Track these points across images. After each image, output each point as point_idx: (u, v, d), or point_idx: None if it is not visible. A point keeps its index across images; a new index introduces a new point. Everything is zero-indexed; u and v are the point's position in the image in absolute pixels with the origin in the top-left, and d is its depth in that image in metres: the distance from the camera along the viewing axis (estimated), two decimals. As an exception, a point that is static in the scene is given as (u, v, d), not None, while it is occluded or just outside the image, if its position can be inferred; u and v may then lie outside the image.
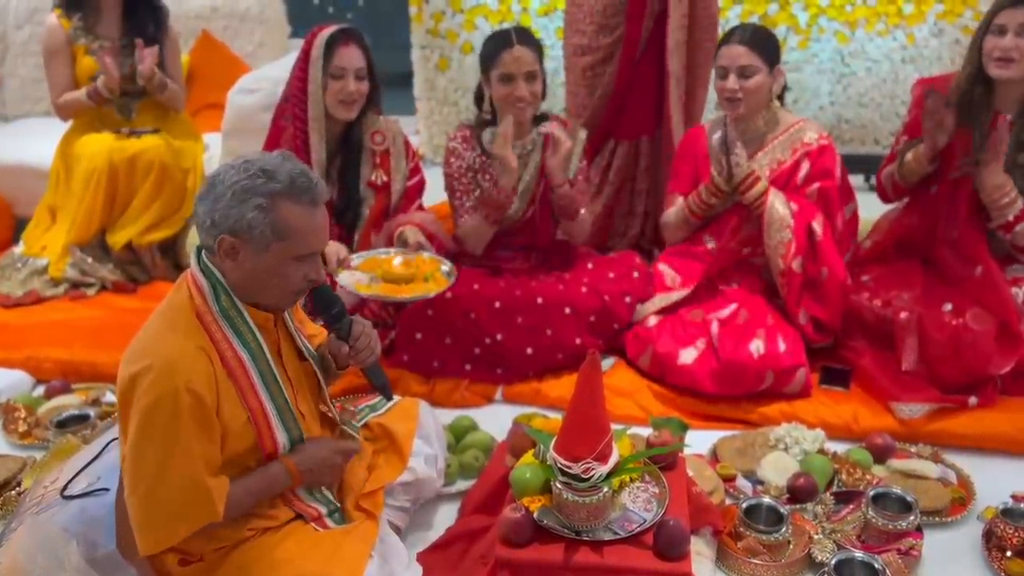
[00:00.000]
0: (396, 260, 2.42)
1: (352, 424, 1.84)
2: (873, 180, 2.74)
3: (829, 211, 2.52)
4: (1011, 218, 2.37)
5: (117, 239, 3.13)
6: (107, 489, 1.65)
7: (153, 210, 3.14)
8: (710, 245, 2.62)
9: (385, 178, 2.61)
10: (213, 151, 3.43)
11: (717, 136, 2.50)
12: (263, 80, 3.35)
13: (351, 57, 2.41)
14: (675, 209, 2.66)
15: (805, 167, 2.52)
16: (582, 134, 2.71)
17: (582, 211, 2.65)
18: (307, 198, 1.50)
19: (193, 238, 3.18)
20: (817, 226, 2.46)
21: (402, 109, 4.51)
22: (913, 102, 2.63)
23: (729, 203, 2.56)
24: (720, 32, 2.99)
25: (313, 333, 1.84)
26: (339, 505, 1.73)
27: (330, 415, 1.78)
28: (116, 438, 1.74)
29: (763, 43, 2.45)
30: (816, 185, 2.51)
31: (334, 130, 2.53)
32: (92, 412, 2.35)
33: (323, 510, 1.68)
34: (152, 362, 1.44)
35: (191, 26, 4.19)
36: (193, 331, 1.51)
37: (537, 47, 2.52)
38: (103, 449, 1.78)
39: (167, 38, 3.21)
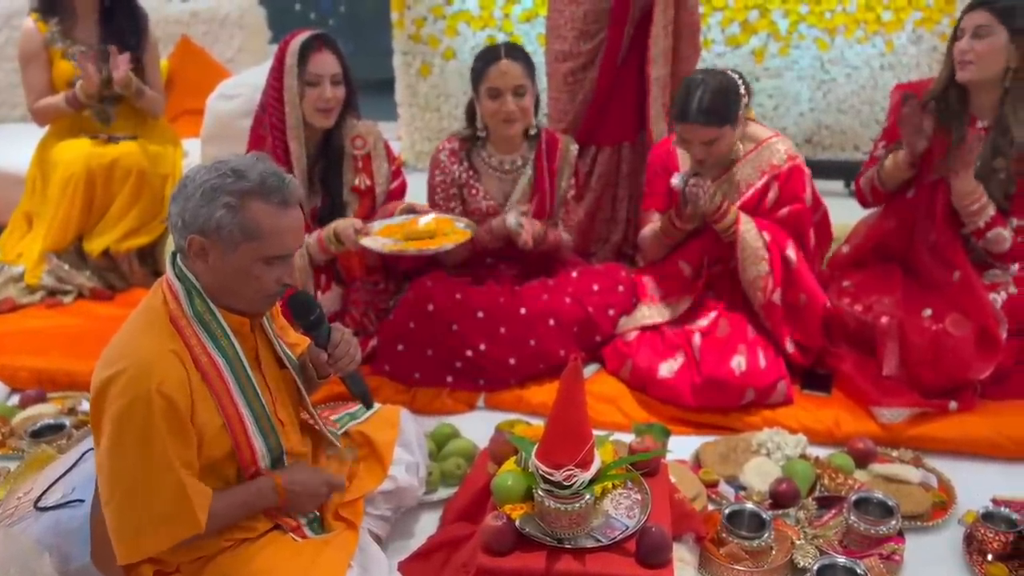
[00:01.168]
0: (421, 221, 2.41)
1: (334, 433, 1.83)
2: (853, 186, 2.75)
3: (800, 232, 2.51)
4: (982, 224, 2.38)
5: (94, 246, 3.09)
6: (82, 500, 1.62)
7: (131, 217, 3.10)
8: (686, 271, 2.61)
9: (368, 182, 2.60)
10: (192, 157, 3.40)
11: (676, 180, 2.44)
12: (242, 86, 3.33)
13: (326, 63, 2.40)
14: (649, 229, 2.64)
15: (774, 190, 2.49)
16: (572, 150, 2.69)
17: (565, 240, 2.66)
18: (277, 198, 1.49)
19: (172, 245, 3.15)
20: (791, 253, 2.45)
21: (384, 115, 4.50)
22: (891, 108, 2.64)
23: (701, 225, 2.53)
24: (701, 40, 3.01)
25: (295, 342, 1.82)
26: (318, 514, 1.71)
27: (311, 423, 1.77)
28: (92, 448, 1.71)
29: (721, 112, 2.34)
30: (786, 209, 2.49)
31: (313, 137, 2.51)
32: (68, 422, 2.32)
33: (302, 520, 1.66)
34: (124, 366, 1.42)
35: (170, 31, 4.16)
36: (166, 335, 1.49)
37: (527, 62, 2.50)
38: (79, 459, 1.75)
39: (146, 43, 3.18)
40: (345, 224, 2.38)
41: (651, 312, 2.57)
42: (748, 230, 2.43)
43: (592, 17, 2.87)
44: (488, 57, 2.48)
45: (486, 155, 2.62)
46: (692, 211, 2.43)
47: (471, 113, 2.60)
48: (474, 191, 2.60)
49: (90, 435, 2.16)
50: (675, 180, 2.45)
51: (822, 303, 2.47)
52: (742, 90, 2.40)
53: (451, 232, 2.37)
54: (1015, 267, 2.49)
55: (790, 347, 2.45)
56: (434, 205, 2.62)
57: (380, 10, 5.12)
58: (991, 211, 2.37)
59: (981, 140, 2.37)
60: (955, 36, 2.38)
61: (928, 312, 2.39)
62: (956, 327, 2.31)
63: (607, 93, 2.96)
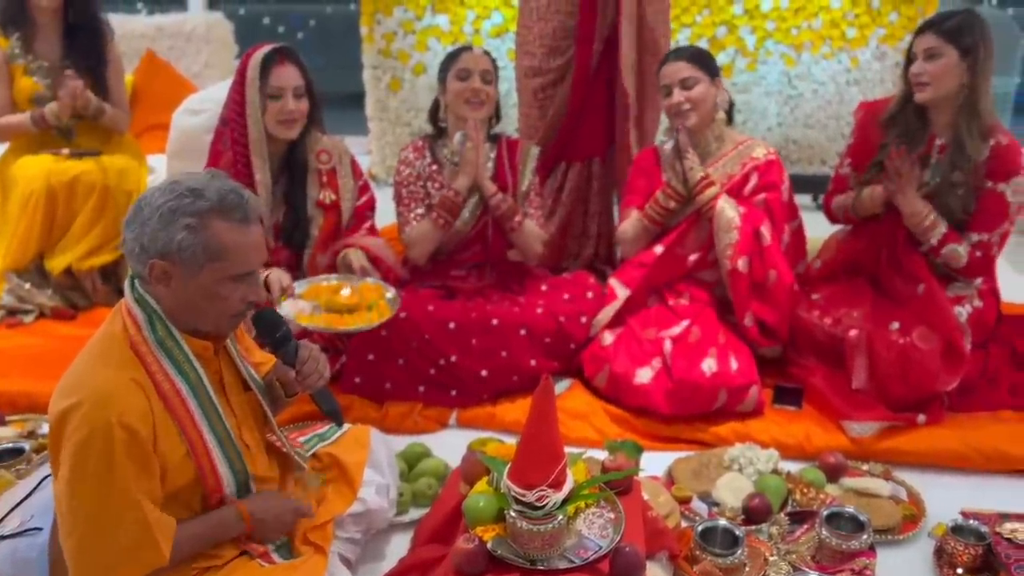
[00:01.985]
0: (343, 291, 2.37)
1: (300, 453, 1.80)
2: (820, 199, 2.78)
3: (771, 220, 2.57)
4: (935, 242, 2.43)
5: (56, 264, 3.02)
6: (40, 528, 1.57)
7: (94, 234, 3.04)
8: (658, 250, 2.63)
9: (334, 197, 2.57)
10: (159, 173, 3.35)
11: (670, 144, 2.60)
12: (209, 101, 3.29)
13: (287, 76, 2.38)
14: (632, 221, 2.67)
15: (753, 179, 2.60)
16: (534, 150, 2.77)
17: (523, 221, 2.68)
18: (238, 215, 1.46)
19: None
20: (765, 231, 2.52)
21: (354, 129, 4.48)
22: (856, 126, 2.68)
23: (686, 211, 2.59)
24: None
25: (261, 361, 1.78)
26: (287, 539, 1.67)
27: (278, 444, 1.73)
28: (50, 475, 1.67)
29: (699, 56, 2.58)
30: (762, 196, 2.58)
31: (276, 151, 2.48)
32: (27, 445, 2.24)
33: (269, 545, 1.62)
34: (83, 397, 1.38)
35: (135, 46, 4.12)
36: (127, 363, 1.45)
37: (494, 62, 2.66)
38: (37, 485, 1.70)
39: (110, 59, 3.13)
40: (274, 278, 2.35)
41: (606, 312, 2.58)
42: (726, 201, 2.54)
43: (561, 34, 2.88)
44: (460, 48, 2.65)
45: (448, 152, 2.68)
46: (681, 170, 2.53)
47: (435, 112, 2.70)
48: (438, 184, 2.65)
49: (47, 461, 2.12)
50: (667, 146, 2.62)
51: (789, 283, 2.53)
52: (727, 96, 2.61)
53: (374, 304, 2.34)
54: (978, 280, 2.52)
55: (748, 321, 2.50)
56: (401, 200, 2.67)
57: (350, 24, 5.11)
58: (942, 229, 2.42)
59: (913, 161, 2.40)
60: (909, 59, 2.44)
61: (896, 325, 2.42)
62: (923, 340, 2.34)
63: (579, 109, 2.97)
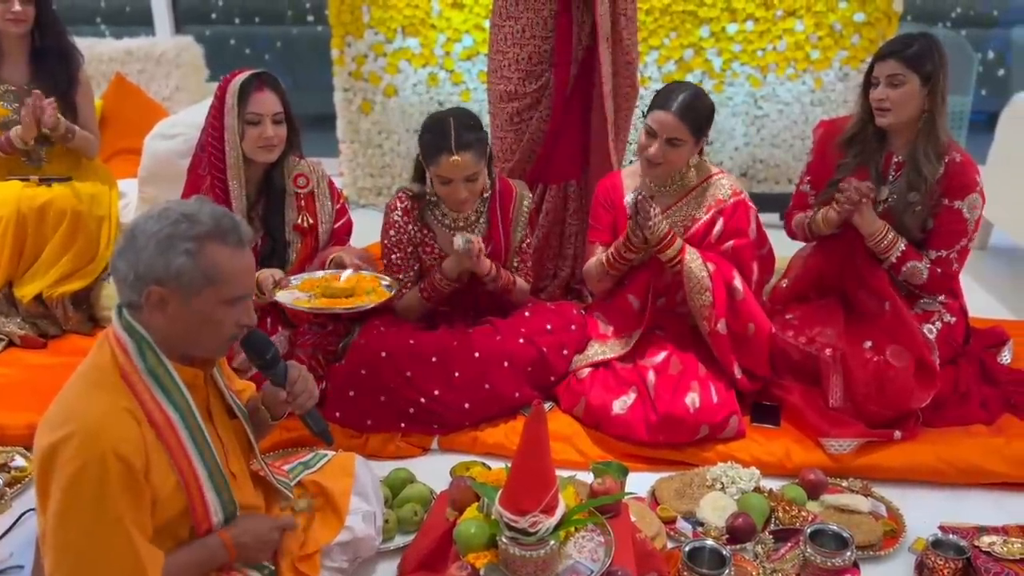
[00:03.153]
0: (341, 277, 2.36)
1: (284, 482, 1.78)
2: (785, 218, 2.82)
3: (741, 267, 2.54)
4: (895, 260, 2.48)
5: (26, 292, 2.96)
6: (22, 566, 1.55)
7: (65, 261, 2.99)
8: (635, 304, 2.63)
9: (311, 220, 2.57)
10: (130, 198, 3.31)
11: (629, 197, 2.51)
12: (181, 125, 3.27)
13: (266, 102, 2.37)
14: (595, 261, 2.65)
15: (719, 225, 2.54)
16: (527, 202, 2.65)
17: (515, 283, 2.64)
18: (234, 238, 1.47)
19: (109, 288, 3.05)
20: (738, 284, 2.49)
21: (324, 151, 4.46)
22: (815, 144, 2.72)
23: (646, 257, 2.57)
24: (639, 77, 3.07)
25: (240, 388, 1.78)
26: (273, 569, 1.66)
27: (261, 474, 1.72)
28: (31, 509, 1.63)
29: (698, 116, 2.44)
30: (730, 243, 2.54)
31: (254, 175, 2.48)
32: (0, 479, 2.20)
33: (254, 573, 1.61)
34: (75, 428, 1.36)
35: (103, 69, 4.07)
36: (118, 393, 1.44)
37: (479, 146, 2.38)
38: (15, 522, 1.67)
39: (78, 84, 3.10)
40: (265, 275, 2.34)
41: (603, 349, 2.59)
42: (693, 259, 2.47)
43: (536, 58, 2.89)
44: (439, 145, 2.35)
45: (439, 214, 2.57)
46: (640, 232, 2.42)
47: (420, 171, 2.51)
48: (429, 248, 2.57)
49: (26, 492, 2.07)
50: (627, 198, 2.49)
51: (768, 331, 2.52)
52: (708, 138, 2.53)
53: (372, 291, 2.33)
54: (942, 297, 2.58)
55: (738, 373, 2.49)
56: (390, 265, 2.56)
57: (317, 46, 5.10)
58: (901, 246, 2.47)
59: (865, 190, 2.42)
60: (868, 83, 2.47)
61: (868, 344, 2.46)
62: (896, 358, 2.38)
63: (556, 133, 2.99)
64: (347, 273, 2.38)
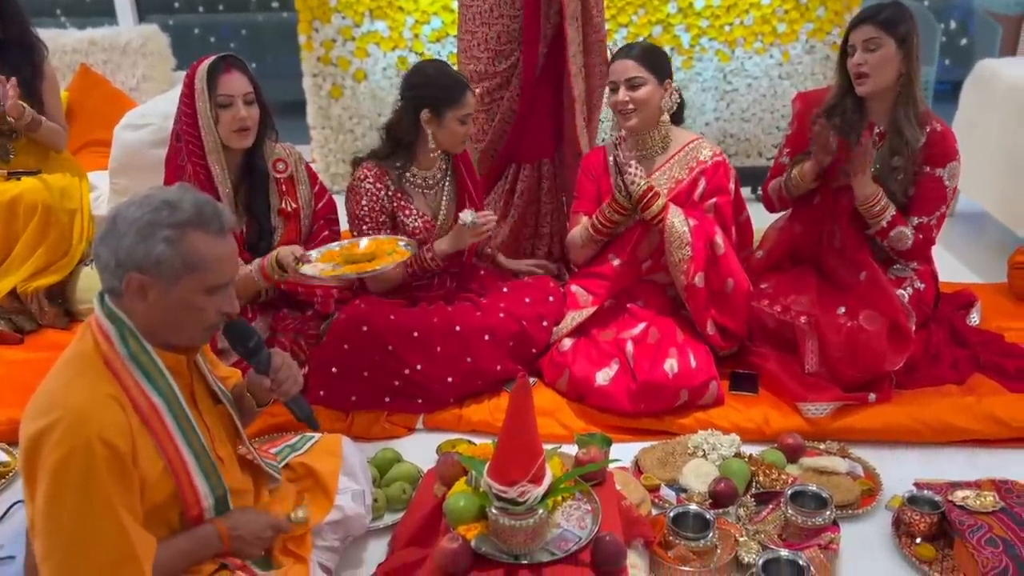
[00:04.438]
0: (361, 243, 2.39)
1: (273, 465, 1.79)
2: (760, 191, 2.86)
3: (723, 224, 2.62)
4: (885, 224, 2.52)
5: (0, 287, 2.94)
6: (13, 557, 1.55)
7: (38, 255, 2.96)
8: (615, 263, 2.67)
9: (294, 205, 2.57)
10: (101, 190, 3.28)
11: (612, 157, 2.57)
12: (150, 115, 3.24)
13: (236, 83, 2.36)
14: (579, 228, 2.70)
15: (702, 184, 2.62)
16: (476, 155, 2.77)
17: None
18: (216, 226, 1.46)
19: (84, 281, 3.03)
20: (720, 240, 2.55)
21: (293, 138, 4.43)
22: (794, 116, 2.77)
23: (632, 220, 2.62)
24: (610, 55, 3.09)
25: (225, 375, 1.78)
26: (263, 551, 1.67)
27: (249, 457, 1.73)
28: (20, 500, 1.63)
29: (650, 57, 2.58)
30: (712, 200, 2.61)
31: (234, 162, 2.47)
32: (-17, 474, 2.20)
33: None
34: (60, 415, 1.35)
35: (67, 60, 4.01)
36: (102, 379, 1.43)
37: None
38: (4, 514, 1.67)
39: (43, 77, 3.06)
40: (285, 252, 2.33)
41: (579, 315, 2.61)
42: (675, 215, 2.53)
43: (505, 38, 2.90)
44: (460, 83, 2.53)
45: (410, 175, 2.62)
46: (625, 187, 2.49)
47: (397, 134, 2.57)
48: (407, 211, 2.59)
49: (12, 486, 2.07)
50: (611, 159, 2.55)
51: (746, 289, 2.57)
52: (676, 89, 2.61)
53: (393, 252, 2.35)
54: (914, 263, 2.64)
55: (711, 329, 2.54)
56: (358, 234, 2.57)
57: (283, 32, 5.05)
58: (892, 211, 2.51)
59: (876, 144, 2.50)
60: (845, 51, 2.50)
61: (842, 310, 2.51)
62: (869, 322, 2.43)
63: (528, 111, 3.00)
64: (366, 240, 2.41)
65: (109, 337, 1.45)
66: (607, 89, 2.60)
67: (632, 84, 2.54)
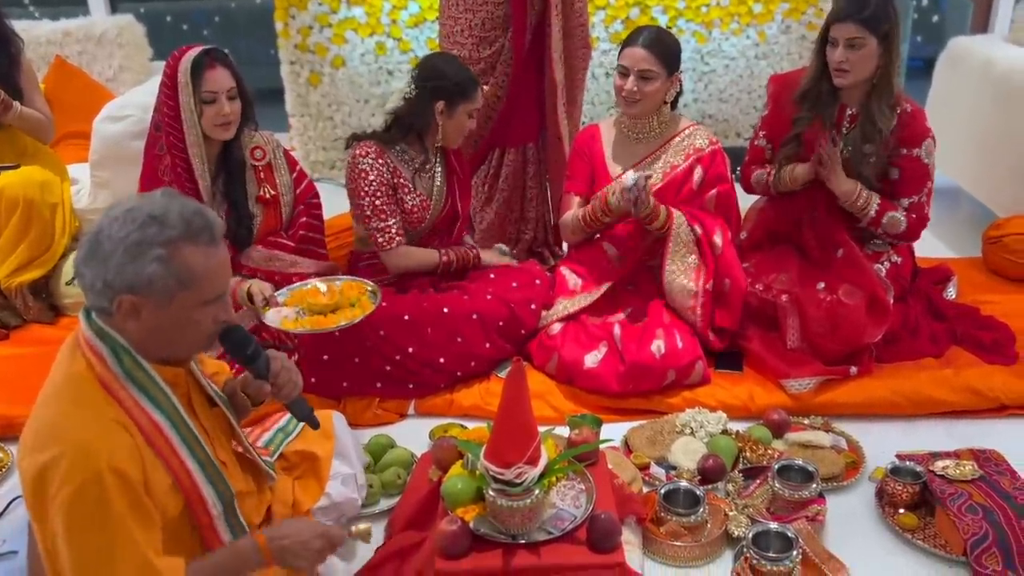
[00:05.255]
0: (322, 291, 2.39)
1: (269, 463, 1.78)
2: (738, 171, 2.89)
3: (728, 214, 2.65)
4: (873, 214, 2.56)
5: (-18, 284, 2.92)
6: (15, 552, 1.56)
7: (21, 250, 2.94)
8: (611, 253, 2.70)
9: (273, 192, 2.58)
10: (82, 184, 3.25)
11: (629, 178, 2.48)
12: (130, 106, 3.21)
13: (220, 79, 2.36)
14: (571, 216, 2.72)
15: (698, 172, 2.65)
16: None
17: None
18: (206, 238, 1.38)
19: (68, 276, 3.01)
20: (718, 239, 2.57)
21: (273, 126, 4.40)
22: (769, 98, 2.79)
23: (621, 218, 2.64)
24: (592, 38, 3.11)
25: (215, 371, 1.73)
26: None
27: (248, 456, 1.71)
28: (19, 496, 1.64)
29: (665, 49, 2.56)
30: (715, 191, 2.64)
31: (212, 151, 2.47)
32: (-23, 471, 2.19)
33: None
34: (64, 448, 1.28)
35: (42, 52, 3.95)
36: (101, 403, 1.36)
37: None
38: (5, 508, 1.67)
39: (21, 70, 3.03)
40: (256, 288, 2.36)
41: (571, 303, 2.64)
42: (680, 224, 2.56)
43: (490, 25, 2.91)
44: (472, 78, 2.58)
45: (408, 158, 2.64)
46: (635, 210, 2.50)
47: (408, 121, 2.59)
48: (407, 189, 2.61)
49: (7, 481, 2.07)
50: (626, 177, 2.52)
51: (743, 288, 2.59)
52: (681, 76, 2.63)
53: (356, 300, 2.36)
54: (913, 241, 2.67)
55: (711, 335, 2.57)
56: (376, 211, 2.55)
57: (256, 19, 4.99)
58: (876, 201, 2.55)
59: (848, 127, 2.54)
60: (825, 40, 2.49)
61: (821, 285, 2.55)
62: (848, 296, 2.48)
63: (514, 97, 3.01)
64: (323, 286, 2.42)
65: (102, 357, 1.38)
66: (616, 73, 2.59)
67: (644, 76, 2.53)
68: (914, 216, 2.59)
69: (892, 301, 2.52)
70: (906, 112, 2.55)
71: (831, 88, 2.56)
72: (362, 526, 1.61)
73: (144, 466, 1.37)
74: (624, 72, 2.56)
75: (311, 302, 2.34)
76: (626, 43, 2.58)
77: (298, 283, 2.47)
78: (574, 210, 2.72)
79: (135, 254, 1.32)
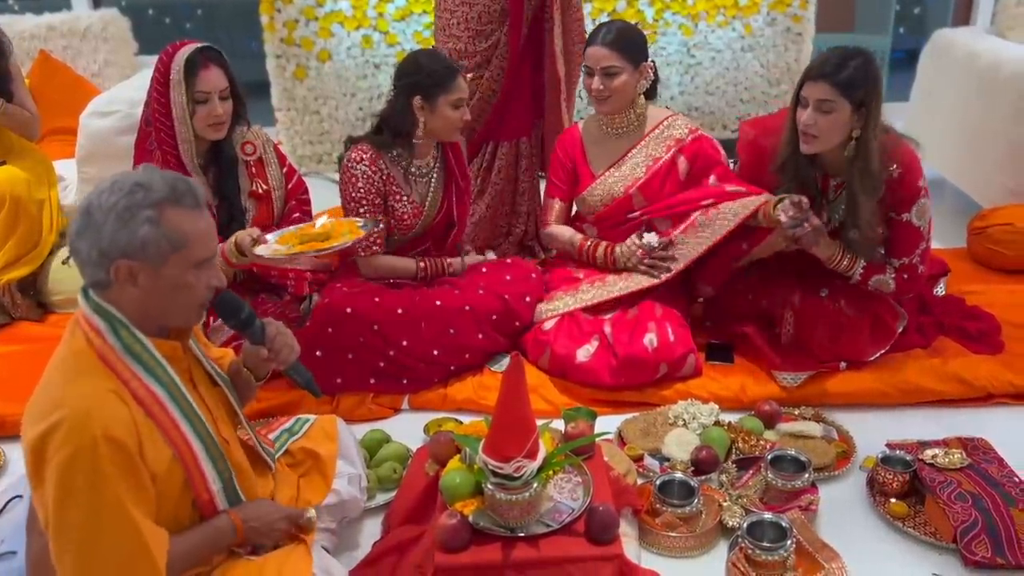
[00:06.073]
0: (317, 223, 2.35)
1: (269, 451, 1.80)
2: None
3: (729, 183, 2.60)
4: (859, 276, 2.43)
5: (-30, 282, 2.90)
6: (14, 552, 1.55)
7: (9, 247, 2.92)
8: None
9: (265, 186, 2.57)
10: (68, 180, 3.23)
11: (652, 239, 2.59)
12: (117, 101, 3.19)
13: (214, 80, 2.34)
14: (566, 238, 2.76)
15: (683, 163, 2.66)
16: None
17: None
18: (191, 200, 1.44)
19: (56, 273, 2.99)
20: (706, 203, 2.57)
21: (260, 120, 4.38)
22: (741, 149, 2.65)
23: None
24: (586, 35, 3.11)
25: (219, 356, 1.77)
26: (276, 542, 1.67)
27: (251, 442, 1.73)
28: (18, 495, 1.64)
29: (626, 43, 2.55)
30: (713, 178, 2.65)
31: (203, 147, 2.46)
32: (-30, 469, 2.19)
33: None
34: (61, 416, 1.33)
35: (26, 47, 3.91)
36: (100, 375, 1.41)
37: None
38: (4, 507, 1.67)
39: (7, 64, 3.00)
40: (243, 235, 2.33)
41: (564, 301, 2.64)
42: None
43: (486, 18, 2.91)
44: (451, 69, 2.52)
45: (405, 162, 2.61)
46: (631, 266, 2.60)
47: (393, 124, 2.55)
48: (398, 196, 2.59)
49: (3, 479, 2.06)
50: (647, 238, 2.61)
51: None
52: (651, 64, 2.61)
53: (348, 232, 2.32)
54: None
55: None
56: (355, 216, 2.54)
57: (240, 12, 4.96)
58: (860, 262, 2.41)
59: (834, 195, 2.41)
60: (797, 101, 2.31)
61: (824, 292, 2.50)
62: (852, 309, 2.45)
63: (511, 91, 3.01)
64: (322, 220, 2.38)
65: (100, 332, 1.43)
66: (582, 72, 2.60)
67: (608, 72, 2.55)
68: (905, 276, 2.43)
69: (901, 329, 2.48)
70: (893, 178, 2.33)
71: (809, 158, 2.37)
72: (309, 514, 1.68)
73: (140, 438, 1.41)
74: (590, 72, 2.57)
75: (304, 232, 2.30)
76: (587, 42, 2.58)
77: (288, 227, 2.41)
78: (569, 234, 2.75)
79: (126, 219, 1.38)
